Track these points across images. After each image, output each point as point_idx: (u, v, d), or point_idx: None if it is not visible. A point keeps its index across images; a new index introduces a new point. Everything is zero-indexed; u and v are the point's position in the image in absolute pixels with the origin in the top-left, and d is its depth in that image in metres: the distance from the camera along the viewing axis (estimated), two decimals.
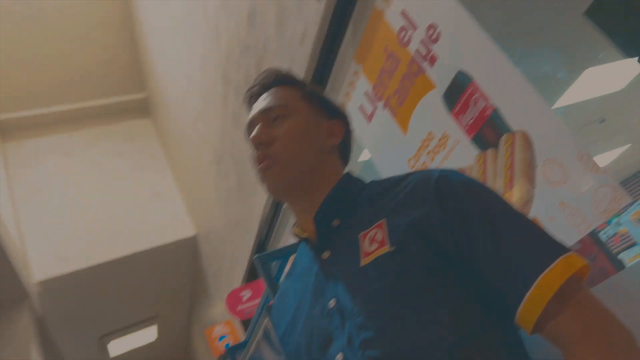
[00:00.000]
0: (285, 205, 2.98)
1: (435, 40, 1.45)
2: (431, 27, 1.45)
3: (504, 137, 1.30)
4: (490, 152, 1.36)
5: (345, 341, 0.68)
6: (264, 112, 0.84)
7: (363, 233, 0.73)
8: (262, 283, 3.37)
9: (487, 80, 1.31)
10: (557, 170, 1.18)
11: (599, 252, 1.96)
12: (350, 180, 0.84)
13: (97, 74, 5.30)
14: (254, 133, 0.82)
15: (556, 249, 0.62)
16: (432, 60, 1.47)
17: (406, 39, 1.55)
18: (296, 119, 0.83)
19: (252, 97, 0.90)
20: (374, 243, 0.71)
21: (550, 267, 0.59)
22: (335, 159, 0.88)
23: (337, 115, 0.91)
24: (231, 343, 4.21)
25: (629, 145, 6.47)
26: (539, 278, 0.59)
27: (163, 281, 5.81)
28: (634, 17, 1.58)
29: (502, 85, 1.27)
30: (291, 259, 2.48)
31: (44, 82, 5.10)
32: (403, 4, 1.54)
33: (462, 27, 1.35)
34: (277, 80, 0.89)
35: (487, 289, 0.64)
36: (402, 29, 1.56)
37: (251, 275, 3.75)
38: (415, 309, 0.64)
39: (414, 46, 1.53)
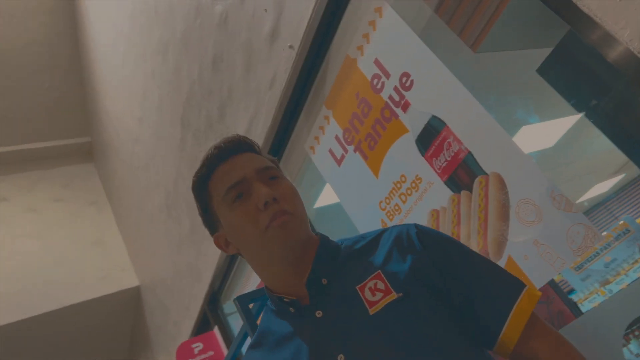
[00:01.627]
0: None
1: (409, 88, 1.52)
2: (404, 75, 1.53)
3: (477, 179, 1.36)
4: (464, 193, 1.41)
5: None
6: (261, 171, 0.84)
7: (360, 286, 0.78)
8: (215, 335, 3.22)
9: (461, 124, 1.38)
10: (530, 210, 1.24)
11: (555, 295, 2.06)
12: (327, 241, 0.88)
13: (39, 116, 5.07)
14: (263, 190, 0.80)
15: (519, 283, 0.78)
16: (405, 107, 1.54)
17: (379, 86, 1.62)
18: (289, 181, 0.87)
19: (217, 159, 0.87)
20: (376, 293, 0.76)
21: (519, 297, 0.74)
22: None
23: None
24: None
25: None
26: (514, 307, 0.73)
27: (100, 335, 5.40)
28: (580, 76, 1.73)
29: (475, 129, 1.34)
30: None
31: None
32: (376, 53, 1.61)
33: (435, 75, 1.43)
34: (248, 146, 0.90)
35: (472, 321, 0.75)
36: (375, 76, 1.63)
37: (202, 327, 3.58)
38: (429, 345, 0.71)
39: (386, 93, 1.60)
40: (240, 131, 2.36)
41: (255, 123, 2.23)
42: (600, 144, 4.82)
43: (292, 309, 0.81)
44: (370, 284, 0.77)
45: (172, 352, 3.81)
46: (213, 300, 3.33)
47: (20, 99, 4.85)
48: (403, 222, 1.64)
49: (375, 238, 0.85)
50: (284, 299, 0.81)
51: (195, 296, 3.45)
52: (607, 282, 3.66)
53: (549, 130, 4.08)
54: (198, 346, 3.10)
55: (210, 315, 3.32)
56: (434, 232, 0.83)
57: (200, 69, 2.58)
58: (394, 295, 0.74)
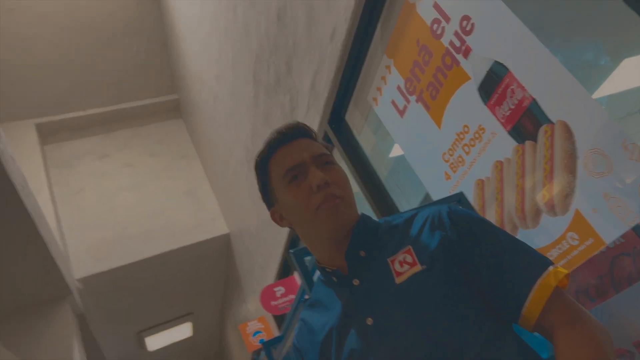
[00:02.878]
0: None
1: (469, 32, 1.43)
2: (465, 18, 1.43)
3: (543, 128, 1.27)
4: (528, 144, 1.33)
5: (388, 351, 0.77)
6: (317, 157, 0.89)
7: (391, 259, 0.85)
8: (295, 279, 3.40)
9: (525, 70, 1.29)
10: (600, 160, 1.15)
11: None
12: (367, 218, 0.94)
13: (130, 77, 5.43)
14: (317, 173, 0.85)
15: (546, 260, 0.79)
16: (467, 52, 1.45)
17: (439, 31, 1.54)
18: (341, 168, 0.93)
19: (278, 143, 0.92)
20: (404, 265, 0.83)
21: (545, 273, 0.75)
22: None
23: None
24: (265, 338, 4.26)
25: None
26: (539, 281, 0.75)
27: (197, 279, 5.91)
28: None
29: (541, 75, 1.24)
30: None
31: (79, 86, 5.26)
32: None
33: (496, 18, 1.33)
34: (306, 132, 0.95)
35: (496, 295, 0.78)
36: (435, 21, 1.54)
37: (284, 272, 3.79)
38: (449, 315, 0.76)
39: (447, 38, 1.51)
40: (306, 87, 2.37)
41: (319, 76, 2.23)
42: None
43: (334, 278, 0.89)
44: (401, 257, 0.83)
45: (260, 293, 4.10)
46: (293, 246, 3.49)
47: (112, 63, 5.21)
48: (467, 174, 1.60)
49: (411, 217, 0.90)
50: (327, 269, 0.90)
51: (277, 244, 3.64)
52: None
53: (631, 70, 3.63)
54: (280, 290, 3.30)
55: (290, 261, 3.49)
56: (465, 212, 0.87)
57: (266, 24, 2.59)
58: (418, 267, 0.80)
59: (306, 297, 1.17)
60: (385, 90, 1.86)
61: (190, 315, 6.73)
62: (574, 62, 1.56)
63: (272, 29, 2.54)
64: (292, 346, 0.98)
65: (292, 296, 3.31)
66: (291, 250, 1.22)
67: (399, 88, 1.79)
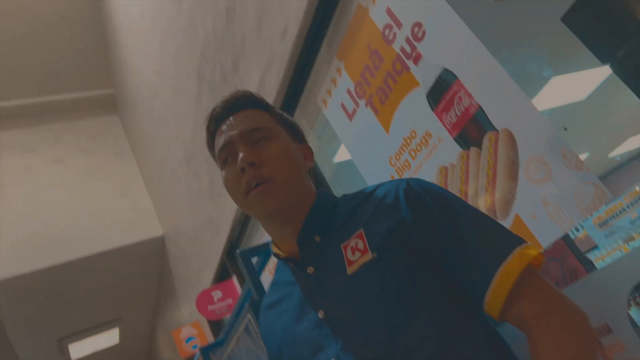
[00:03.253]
0: None
1: (421, 39, 1.45)
2: (417, 25, 1.46)
3: (487, 135, 1.32)
4: (473, 150, 1.37)
5: (339, 347, 0.72)
6: (246, 133, 0.83)
7: (344, 244, 0.78)
8: (233, 283, 3.32)
9: (473, 79, 1.32)
10: (540, 168, 1.20)
11: (569, 252, 2.02)
12: (325, 197, 0.87)
13: (62, 68, 5.12)
14: (241, 155, 0.80)
15: (512, 241, 0.70)
16: (417, 59, 1.48)
17: (391, 36, 1.56)
18: (280, 142, 0.84)
19: (219, 118, 0.88)
20: (356, 252, 0.76)
21: (509, 257, 0.67)
22: (310, 180, 0.91)
23: (304, 140, 0.95)
24: (199, 344, 4.13)
25: (588, 154, 6.72)
26: (500, 268, 0.67)
27: (127, 282, 5.65)
28: (606, 25, 1.62)
29: (487, 83, 1.28)
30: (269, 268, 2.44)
31: (4, 74, 4.89)
32: (388, 1, 1.54)
33: (448, 26, 1.36)
34: (248, 102, 0.88)
35: (459, 282, 0.71)
36: (387, 26, 1.56)
37: (221, 276, 3.69)
38: (403, 309, 0.70)
39: (398, 44, 1.53)
40: (254, 84, 2.33)
41: (268, 75, 2.20)
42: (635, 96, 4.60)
43: (291, 264, 0.84)
44: (353, 242, 0.77)
45: (195, 299, 3.97)
46: (232, 251, 3.42)
47: (44, 50, 4.89)
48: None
49: (370, 194, 0.83)
50: (281, 256, 0.84)
51: (215, 247, 3.54)
52: (631, 239, 3.59)
53: (582, 81, 3.91)
54: (217, 294, 3.21)
55: (229, 265, 3.41)
56: (424, 187, 0.78)
57: (214, 20, 2.53)
58: (369, 256, 0.73)
59: (254, 297, 1.13)
60: (335, 93, 1.86)
61: (118, 321, 6.42)
62: (520, 73, 1.64)
63: (219, 26, 2.48)
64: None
65: (230, 300, 3.23)
66: (238, 251, 1.18)
67: (348, 91, 1.79)
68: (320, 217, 0.83)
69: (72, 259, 4.48)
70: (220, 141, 0.84)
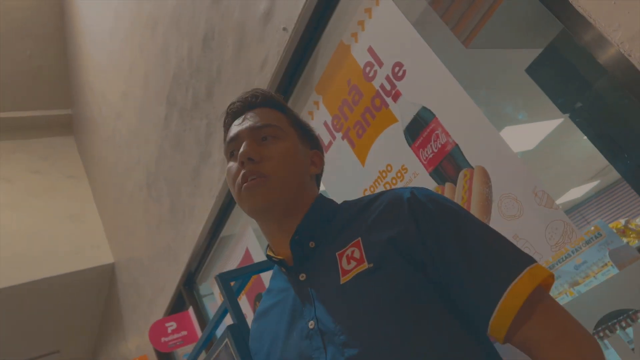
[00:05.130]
0: (222, 235, 2.90)
1: (401, 78, 1.53)
2: (397, 64, 1.53)
3: (462, 172, 1.38)
4: (448, 185, 1.43)
5: None
6: (254, 129, 0.83)
7: (340, 252, 0.76)
8: (189, 315, 3.21)
9: (450, 117, 1.40)
10: (512, 204, 1.27)
11: None
12: (323, 202, 0.86)
13: (18, 84, 4.94)
14: (242, 148, 0.80)
15: (522, 261, 0.67)
16: (396, 96, 1.54)
17: (371, 74, 1.62)
18: (287, 143, 0.84)
19: (236, 113, 0.90)
20: (351, 261, 0.73)
21: (518, 278, 0.64)
22: (314, 187, 0.91)
23: (317, 147, 0.95)
24: None
25: None
26: (508, 289, 0.63)
27: (69, 312, 5.33)
28: (568, 78, 1.76)
29: (464, 122, 1.36)
30: (253, 280, 2.38)
31: None
32: (370, 40, 1.61)
33: (428, 67, 1.44)
34: (265, 101, 0.89)
35: (462, 301, 0.68)
36: (368, 64, 1.63)
37: (176, 307, 3.56)
38: (398, 324, 0.67)
39: (378, 81, 1.60)
40: None
41: None
42: (580, 149, 4.93)
43: (282, 269, 0.83)
44: (349, 251, 0.74)
45: (145, 331, 3.80)
46: (189, 281, 3.32)
47: (0, 65, 4.71)
48: None
49: (372, 201, 0.79)
50: (273, 258, 0.83)
51: (172, 276, 3.43)
52: (577, 284, 3.75)
53: (532, 131, 4.15)
54: (171, 325, 3.09)
55: (185, 296, 3.31)
56: (429, 199, 0.74)
57: (190, 46, 2.54)
58: (364, 266, 0.70)
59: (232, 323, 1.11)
60: (311, 125, 1.90)
61: (56, 355, 6.00)
62: (494, 115, 1.74)
63: (195, 51, 2.50)
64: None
65: (185, 332, 3.12)
66: (217, 274, 1.16)
67: (325, 124, 1.84)
68: (317, 223, 0.80)
69: (7, 286, 4.21)
70: (228, 135, 0.86)
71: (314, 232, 0.80)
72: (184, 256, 3.17)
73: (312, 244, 0.79)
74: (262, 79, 2.04)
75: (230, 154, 0.85)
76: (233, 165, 0.83)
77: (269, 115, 0.87)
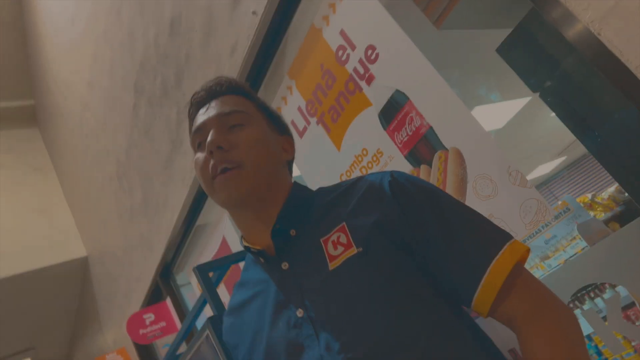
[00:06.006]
0: (197, 224, 2.86)
1: (374, 61, 1.52)
2: (370, 47, 1.52)
3: (437, 154, 1.39)
4: (423, 167, 1.44)
5: (323, 348, 0.68)
6: (221, 116, 0.81)
7: (324, 238, 0.75)
8: (167, 306, 3.18)
9: (423, 99, 1.40)
10: (487, 184, 1.28)
11: None
12: (300, 189, 0.85)
13: None
14: (210, 137, 0.78)
15: (501, 237, 0.69)
16: (370, 80, 1.54)
17: (344, 57, 1.61)
18: (256, 129, 0.82)
19: (200, 103, 0.87)
20: (338, 247, 0.72)
21: (499, 254, 0.66)
22: (287, 174, 0.89)
23: (287, 132, 0.93)
24: None
25: None
26: (491, 266, 0.66)
27: (43, 307, 5.22)
28: (538, 57, 1.78)
29: (438, 104, 1.36)
30: (232, 268, 2.37)
31: None
32: (342, 23, 1.60)
33: (401, 50, 1.43)
34: (230, 88, 0.87)
35: (445, 279, 0.70)
36: (341, 47, 1.61)
37: (153, 299, 3.53)
38: (390, 306, 0.67)
39: (351, 65, 1.59)
40: None
41: None
42: (547, 126, 5.04)
43: (261, 259, 0.81)
44: (334, 236, 0.73)
45: (121, 323, 3.75)
46: (165, 271, 3.28)
47: None
48: None
49: (350, 187, 0.80)
50: (252, 249, 0.81)
51: (147, 267, 3.38)
52: (547, 257, 3.86)
53: (501, 110, 4.22)
54: (149, 317, 3.06)
55: (162, 287, 3.27)
56: (409, 182, 0.75)
57: (156, 32, 2.47)
58: (353, 250, 0.70)
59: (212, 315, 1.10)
60: (285, 110, 1.88)
61: (30, 351, 5.89)
62: (466, 95, 1.75)
63: (162, 37, 2.43)
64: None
65: (163, 323, 3.09)
66: (195, 266, 1.14)
67: (299, 109, 1.82)
68: (296, 210, 0.79)
69: None
70: (194, 125, 0.83)
71: (294, 220, 0.79)
72: (159, 247, 3.12)
73: (293, 232, 0.78)
74: (233, 65, 2.00)
75: (198, 145, 0.83)
76: (201, 155, 0.80)
77: (235, 101, 0.84)
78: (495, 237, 0.69)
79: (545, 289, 0.67)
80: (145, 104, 2.83)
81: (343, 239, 0.72)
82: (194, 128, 0.84)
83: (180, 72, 2.39)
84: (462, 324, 0.69)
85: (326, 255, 0.73)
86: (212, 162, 0.77)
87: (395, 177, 0.76)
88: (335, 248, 0.72)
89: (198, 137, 0.82)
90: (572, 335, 0.63)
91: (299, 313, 0.72)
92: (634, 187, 1.51)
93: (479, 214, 0.74)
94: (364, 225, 0.71)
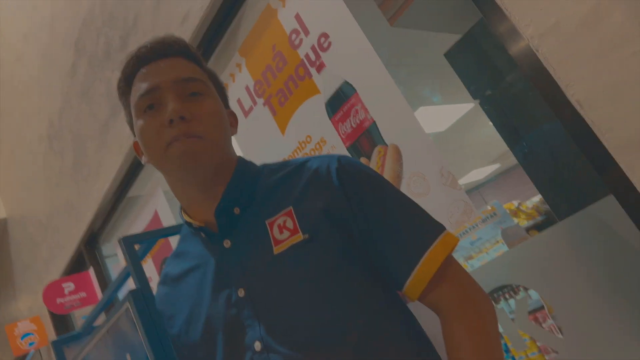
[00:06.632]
0: (130, 195, 2.77)
1: (326, 49, 1.52)
2: (323, 35, 1.52)
3: (377, 148, 1.42)
4: (363, 160, 1.47)
5: (263, 330, 0.69)
6: (179, 82, 0.75)
7: (270, 221, 0.74)
8: (89, 276, 3.07)
9: (370, 94, 1.42)
10: (420, 182, 1.33)
11: None
12: (246, 165, 0.82)
13: None
14: (172, 105, 0.72)
15: (435, 229, 0.73)
16: (320, 67, 1.54)
17: (297, 42, 1.60)
18: (214, 100, 0.78)
19: (145, 58, 0.78)
20: (284, 231, 0.72)
21: (433, 246, 0.70)
22: (233, 149, 0.86)
23: (229, 107, 0.89)
24: (37, 342, 3.72)
25: None
26: (424, 256, 0.69)
27: None
28: (481, 66, 1.85)
29: (383, 100, 1.39)
30: (161, 244, 2.30)
31: None
32: (298, 7, 1.58)
33: (353, 41, 1.44)
34: (183, 51, 0.80)
35: (380, 264, 0.72)
36: (295, 31, 1.60)
37: (76, 267, 3.38)
38: (333, 293, 0.69)
39: (303, 50, 1.58)
40: None
41: None
42: (485, 133, 5.26)
43: (203, 234, 0.79)
44: (280, 220, 0.73)
45: (39, 292, 3.58)
46: (92, 241, 3.15)
47: None
48: None
49: (298, 168, 0.78)
50: (193, 225, 0.78)
51: (72, 235, 3.24)
52: (471, 258, 4.06)
53: (445, 113, 4.36)
54: (69, 286, 2.94)
55: (86, 256, 3.14)
56: (355, 169, 0.76)
57: None
58: (299, 237, 0.70)
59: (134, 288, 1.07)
60: (232, 87, 1.85)
61: None
62: (411, 94, 1.79)
63: None
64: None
65: (84, 294, 2.98)
66: (121, 237, 1.10)
67: (247, 88, 1.79)
68: (241, 188, 0.77)
69: None
70: (143, 85, 0.75)
71: (238, 198, 0.77)
72: (87, 215, 2.99)
73: (237, 210, 0.76)
74: (182, 34, 1.93)
75: (148, 107, 0.74)
76: (151, 121, 0.74)
77: (191, 68, 0.79)
78: (430, 229, 0.72)
79: (470, 280, 0.72)
80: (85, 64, 2.68)
81: (289, 224, 0.72)
82: (143, 88, 0.75)
83: (126, 36, 2.28)
84: (396, 309, 0.73)
85: (271, 238, 0.72)
86: (170, 131, 0.72)
87: (343, 165, 0.75)
88: (281, 232, 0.72)
89: (149, 99, 0.74)
90: (490, 323, 0.69)
91: (240, 293, 0.71)
92: (553, 198, 1.62)
93: (417, 205, 0.77)
94: (311, 211, 0.72)
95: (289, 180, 0.77)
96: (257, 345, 0.68)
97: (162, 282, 0.86)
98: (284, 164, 0.82)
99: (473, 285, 0.72)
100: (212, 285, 0.75)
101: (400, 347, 0.69)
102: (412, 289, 0.70)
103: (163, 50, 0.79)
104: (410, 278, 0.70)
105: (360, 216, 0.72)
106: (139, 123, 0.76)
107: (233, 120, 0.87)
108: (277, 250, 0.71)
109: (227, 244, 0.76)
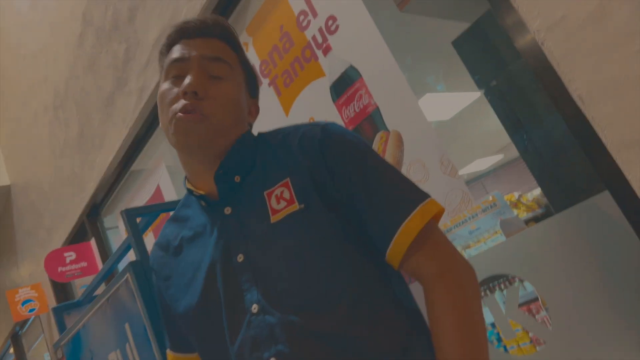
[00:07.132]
0: (133, 168, 2.79)
1: (333, 32, 1.52)
2: (331, 18, 1.52)
3: (379, 134, 1.43)
4: None
5: (260, 294, 0.72)
6: (206, 59, 0.79)
7: (268, 191, 0.77)
8: (91, 247, 3.11)
9: (375, 79, 1.43)
10: (420, 169, 1.34)
11: None
12: (249, 137, 0.84)
13: None
14: (190, 79, 0.76)
15: (416, 197, 0.74)
16: (327, 50, 1.54)
17: (305, 23, 1.60)
18: (234, 85, 0.81)
19: (187, 32, 0.83)
20: (281, 201, 0.75)
21: (410, 215, 0.71)
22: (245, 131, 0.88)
23: (257, 96, 0.92)
24: (38, 308, 3.79)
25: None
26: (401, 227, 0.71)
27: None
28: (487, 56, 1.85)
29: (387, 86, 1.40)
30: (162, 218, 2.33)
31: None
32: None
33: (361, 26, 1.44)
34: (224, 33, 0.85)
35: (365, 233, 0.74)
36: (302, 12, 1.60)
37: (77, 238, 3.42)
38: (326, 260, 0.72)
39: (311, 32, 1.58)
40: (150, 40, 2.21)
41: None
42: (489, 123, 5.24)
43: (203, 203, 0.82)
44: (278, 191, 0.76)
45: (40, 259, 3.62)
46: (94, 212, 3.19)
47: None
48: None
49: (287, 136, 0.81)
50: (194, 192, 0.81)
51: (75, 205, 3.27)
52: (468, 247, 4.08)
53: (451, 101, 4.34)
54: (70, 255, 2.98)
55: (88, 227, 3.18)
56: (339, 137, 0.78)
57: None
58: (295, 207, 0.73)
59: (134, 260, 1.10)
60: None
61: None
62: (416, 81, 1.79)
63: None
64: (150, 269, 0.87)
65: (84, 264, 3.02)
66: (124, 210, 1.13)
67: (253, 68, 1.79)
68: (241, 157, 0.80)
69: None
70: (176, 52, 0.80)
71: (238, 166, 0.80)
72: (90, 185, 3.02)
73: (237, 179, 0.79)
74: (191, 9, 1.93)
75: (171, 76, 0.80)
76: (172, 89, 0.78)
77: (221, 48, 0.82)
78: (409, 198, 0.73)
79: (451, 249, 0.73)
80: (92, 34, 2.67)
81: (286, 195, 0.75)
82: (173, 57, 0.80)
83: (135, 9, 2.28)
84: (386, 276, 0.75)
85: (269, 208, 0.75)
86: (181, 101, 0.76)
87: (326, 135, 0.77)
88: (278, 202, 0.75)
89: (176, 68, 0.79)
90: (471, 291, 0.70)
91: (239, 258, 0.75)
92: (552, 191, 1.63)
93: (401, 174, 0.78)
94: (305, 182, 0.75)
95: (283, 150, 0.80)
96: (255, 308, 0.72)
97: (159, 244, 0.89)
98: (276, 132, 0.85)
99: (453, 255, 0.73)
100: (212, 252, 0.78)
101: (389, 315, 0.72)
102: (392, 257, 0.72)
103: (204, 29, 0.83)
104: (389, 247, 0.71)
105: (342, 186, 0.74)
106: (161, 87, 0.81)
107: (254, 110, 0.90)
108: (274, 219, 0.74)
109: (227, 210, 0.79)
